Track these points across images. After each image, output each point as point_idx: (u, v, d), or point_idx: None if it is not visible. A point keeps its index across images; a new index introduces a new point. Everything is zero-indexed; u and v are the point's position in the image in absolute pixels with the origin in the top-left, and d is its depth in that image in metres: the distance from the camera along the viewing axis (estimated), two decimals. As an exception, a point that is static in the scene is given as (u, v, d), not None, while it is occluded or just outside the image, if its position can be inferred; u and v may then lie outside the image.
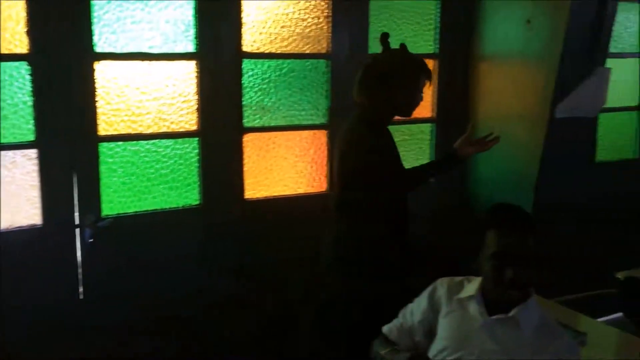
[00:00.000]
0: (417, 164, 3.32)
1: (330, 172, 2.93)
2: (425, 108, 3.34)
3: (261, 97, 2.89)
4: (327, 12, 2.97)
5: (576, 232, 3.41)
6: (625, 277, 2.76)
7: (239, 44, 2.76)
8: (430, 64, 3.31)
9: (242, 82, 2.80)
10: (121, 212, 2.62)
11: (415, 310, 1.83)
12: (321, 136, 3.06)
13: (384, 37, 2.44)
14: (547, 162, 3.07)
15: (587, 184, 3.43)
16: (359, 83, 2.42)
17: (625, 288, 2.73)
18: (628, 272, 2.83)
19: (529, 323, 1.64)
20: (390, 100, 2.38)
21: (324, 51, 3.00)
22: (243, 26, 2.76)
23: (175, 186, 2.74)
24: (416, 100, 2.43)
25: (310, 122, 3.02)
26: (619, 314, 2.89)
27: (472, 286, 1.75)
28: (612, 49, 3.58)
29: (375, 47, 3.10)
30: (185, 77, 2.69)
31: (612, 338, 2.36)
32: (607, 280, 2.92)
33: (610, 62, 3.37)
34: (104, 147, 2.55)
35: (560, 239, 3.29)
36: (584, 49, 3.04)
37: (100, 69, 2.51)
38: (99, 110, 2.52)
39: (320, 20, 2.97)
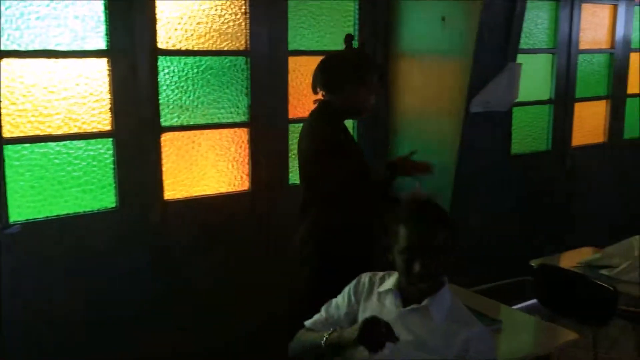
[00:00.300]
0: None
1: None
2: (346, 104, 3.35)
3: (179, 95, 2.82)
4: (245, 9, 2.93)
5: (493, 223, 3.53)
6: (539, 264, 2.86)
7: (154, 41, 2.68)
8: (350, 60, 3.35)
9: (158, 80, 2.73)
10: (30, 217, 2.50)
11: (340, 304, 1.85)
12: (242, 134, 3.02)
13: (349, 38, 2.44)
14: (465, 155, 3.15)
15: (503, 176, 3.55)
16: (318, 79, 2.38)
17: (538, 275, 2.84)
18: (541, 259, 2.94)
19: (441, 312, 1.68)
20: (344, 98, 2.35)
21: (242, 48, 2.96)
22: (157, 22, 2.68)
23: (90, 189, 2.63)
24: (368, 102, 2.39)
25: (230, 120, 2.98)
26: (534, 301, 3.00)
27: (391, 280, 1.79)
28: (523, 45, 3.73)
29: (294, 44, 3.12)
30: (96, 75, 2.59)
31: (527, 324, 2.44)
32: (524, 268, 3.03)
33: (522, 58, 3.50)
34: (9, 150, 2.43)
35: (478, 229, 3.41)
36: (496, 45, 3.14)
37: (4, 67, 2.38)
38: (3, 111, 2.39)
39: (238, 16, 2.93)
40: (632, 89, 4.58)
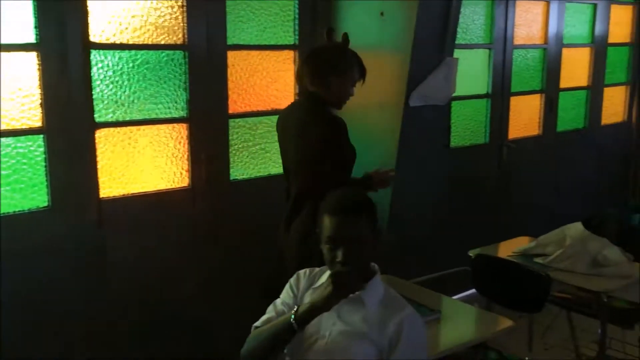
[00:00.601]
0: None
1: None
2: (287, 99, 3.35)
3: (114, 90, 2.75)
4: (182, 2, 2.88)
5: (432, 214, 3.59)
6: (476, 254, 2.93)
7: (86, 34, 2.59)
8: (290, 55, 3.34)
9: (91, 74, 2.64)
10: (-45, 219, 2.40)
11: (286, 299, 1.84)
12: (181, 130, 2.97)
13: (329, 32, 2.56)
14: (404, 148, 3.19)
15: (442, 168, 3.61)
16: (305, 70, 2.48)
17: (476, 265, 2.91)
18: (479, 249, 3.02)
19: (374, 300, 1.72)
20: (328, 90, 2.45)
21: (180, 42, 2.90)
22: (89, 15, 2.60)
23: (20, 188, 2.53)
24: (347, 94, 2.51)
25: (168, 116, 2.92)
26: (473, 290, 3.08)
27: (326, 274, 1.79)
28: (461, 41, 3.81)
29: (234, 38, 3.08)
30: (25, 69, 2.49)
31: (465, 313, 2.50)
32: (463, 258, 3.09)
33: (459, 53, 3.57)
34: None
35: (418, 221, 3.46)
36: (434, 40, 3.19)
37: None
38: None
39: (175, 9, 2.87)
40: (564, 83, 4.74)
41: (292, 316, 1.65)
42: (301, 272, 1.88)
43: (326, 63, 2.46)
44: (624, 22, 5.23)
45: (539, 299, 2.66)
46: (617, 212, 4.79)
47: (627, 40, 5.29)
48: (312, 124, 2.41)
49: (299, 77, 2.52)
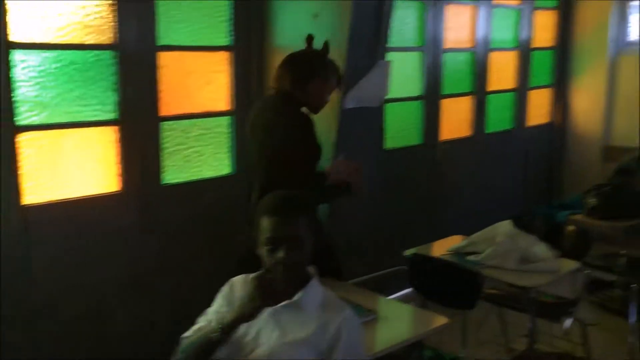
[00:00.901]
0: (216, 158, 3.33)
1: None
2: (221, 101, 3.30)
3: (38, 92, 2.62)
4: (111, 0, 2.78)
5: (369, 216, 3.63)
6: (412, 254, 2.98)
7: (4, 33, 2.47)
8: (225, 56, 3.30)
9: (12, 75, 2.51)
10: None
11: (216, 311, 1.80)
12: (111, 133, 2.87)
13: (309, 39, 2.68)
14: (340, 150, 3.20)
15: (377, 170, 3.65)
16: (283, 72, 2.58)
17: (412, 264, 2.95)
18: (415, 249, 3.06)
19: (313, 304, 1.71)
20: (305, 93, 2.55)
21: (109, 42, 2.81)
22: (7, 13, 2.47)
23: None
24: (325, 99, 2.62)
25: (97, 119, 2.81)
26: (410, 289, 3.12)
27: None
28: (394, 43, 3.86)
29: (165, 39, 3.01)
30: (-61, 70, 2.35)
31: (401, 312, 2.53)
32: (400, 258, 3.13)
33: (393, 56, 3.62)
34: None
35: (355, 224, 3.49)
36: (367, 43, 3.22)
37: None
38: None
39: (103, 8, 2.77)
40: (492, 85, 4.90)
41: (218, 326, 1.62)
42: (235, 279, 1.84)
43: (308, 68, 2.58)
44: (547, 27, 5.45)
45: (472, 296, 2.72)
46: (543, 210, 4.99)
47: (550, 44, 5.52)
48: (282, 121, 2.50)
49: (276, 79, 2.60)
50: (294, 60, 2.62)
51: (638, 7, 5.37)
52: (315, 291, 1.74)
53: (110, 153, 2.87)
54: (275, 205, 1.71)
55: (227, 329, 1.61)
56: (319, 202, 2.63)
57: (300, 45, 3.27)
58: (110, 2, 2.78)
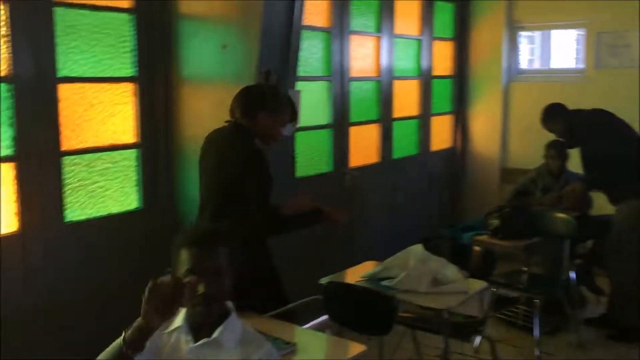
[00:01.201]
0: (122, 192, 3.21)
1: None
2: (127, 133, 3.20)
3: None
4: (5, 31, 2.65)
5: (284, 246, 3.61)
6: (327, 282, 2.99)
7: None
8: (129, 87, 3.21)
9: None
10: None
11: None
12: (8, 170, 2.70)
13: (267, 74, 2.88)
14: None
15: (288, 198, 3.65)
16: (237, 104, 2.69)
17: (327, 293, 2.95)
18: (329, 277, 3.07)
19: (232, 340, 1.68)
20: (256, 124, 2.65)
21: (4, 74, 2.66)
22: None
23: None
24: (274, 132, 2.71)
25: (-8, 155, 2.65)
26: (326, 317, 3.12)
27: (179, 317, 1.72)
28: (303, 73, 3.91)
29: (65, 70, 2.89)
30: None
31: (318, 342, 2.53)
32: (316, 287, 3.13)
33: (302, 85, 3.67)
34: None
35: (270, 255, 3.45)
36: (276, 72, 3.24)
37: None
38: None
39: (-4, 39, 2.63)
40: (397, 113, 5.06)
41: (122, 338, 1.53)
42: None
43: (256, 99, 2.67)
44: (446, 57, 5.74)
45: (388, 321, 2.76)
46: (449, 231, 5.18)
47: (449, 73, 5.80)
48: (232, 152, 2.59)
49: (230, 111, 2.70)
50: (245, 93, 2.71)
51: (527, 36, 5.77)
52: (234, 326, 1.71)
53: (7, 191, 2.70)
54: (196, 238, 1.69)
55: (130, 341, 1.51)
56: (284, 231, 2.79)
57: (208, 76, 3.28)
58: (4, 32, 2.64)
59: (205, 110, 3.30)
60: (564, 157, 4.43)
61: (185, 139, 3.36)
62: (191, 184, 3.36)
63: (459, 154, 5.93)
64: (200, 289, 1.62)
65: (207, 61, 3.29)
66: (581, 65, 5.29)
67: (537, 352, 3.66)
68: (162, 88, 3.32)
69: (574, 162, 4.26)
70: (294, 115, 2.82)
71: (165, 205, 3.38)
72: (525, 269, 4.17)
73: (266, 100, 2.67)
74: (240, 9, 3.17)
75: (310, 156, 4.24)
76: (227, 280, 1.68)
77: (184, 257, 1.66)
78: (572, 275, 4.03)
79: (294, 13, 3.29)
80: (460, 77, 5.86)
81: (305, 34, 3.89)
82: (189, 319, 1.71)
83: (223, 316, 1.71)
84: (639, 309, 3.94)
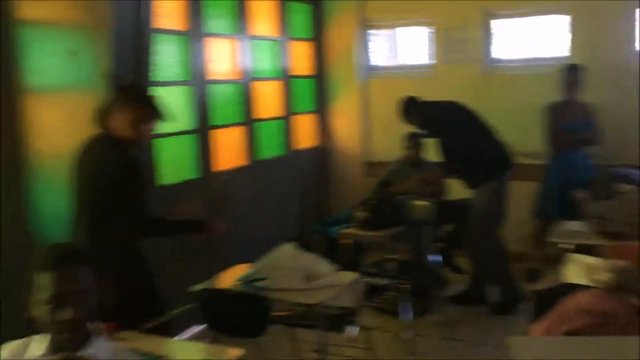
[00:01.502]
0: None
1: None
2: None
3: None
4: None
5: (151, 257, 3.48)
6: (200, 289, 2.92)
7: None
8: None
9: None
10: None
11: None
12: None
13: (120, 77, 2.79)
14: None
15: (153, 207, 3.53)
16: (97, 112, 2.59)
17: (201, 300, 2.90)
18: (202, 284, 3.01)
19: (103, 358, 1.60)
20: (111, 128, 2.55)
21: None
22: None
23: None
24: (135, 132, 2.56)
25: None
26: (204, 325, 3.05)
27: (39, 344, 1.60)
28: (160, 78, 3.79)
29: None
30: None
31: (195, 352, 2.47)
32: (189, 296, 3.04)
33: (160, 90, 3.55)
34: None
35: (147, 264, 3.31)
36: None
37: None
38: None
39: None
40: (260, 114, 5.07)
41: None
42: (7, 346, 1.64)
43: (108, 102, 2.59)
44: (305, 56, 5.83)
45: (262, 322, 2.76)
46: (318, 227, 5.28)
47: (309, 72, 5.91)
48: (100, 161, 2.53)
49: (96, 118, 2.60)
50: (103, 100, 2.65)
51: (387, 35, 6.03)
52: (103, 348, 1.62)
53: None
54: (56, 256, 1.56)
55: None
56: (162, 236, 2.78)
57: (56, 84, 3.08)
58: None
59: (55, 123, 3.10)
60: (421, 147, 4.69)
61: (34, 155, 3.13)
62: (44, 201, 3.14)
63: (323, 151, 6.06)
64: (67, 315, 1.53)
65: (56, 69, 3.09)
66: (433, 61, 5.62)
67: (410, 334, 3.84)
68: (4, 99, 3.06)
69: (433, 151, 4.51)
70: (154, 112, 2.65)
71: (16, 220, 3.11)
72: (393, 256, 4.36)
73: (114, 100, 2.58)
74: (87, 13, 3.01)
75: (175, 163, 4.12)
76: (93, 300, 1.59)
77: (43, 281, 1.53)
78: (436, 258, 4.28)
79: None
80: (320, 77, 5.99)
81: (161, 37, 3.78)
82: (53, 345, 1.59)
83: (84, 339, 1.61)
84: (499, 285, 4.28)
